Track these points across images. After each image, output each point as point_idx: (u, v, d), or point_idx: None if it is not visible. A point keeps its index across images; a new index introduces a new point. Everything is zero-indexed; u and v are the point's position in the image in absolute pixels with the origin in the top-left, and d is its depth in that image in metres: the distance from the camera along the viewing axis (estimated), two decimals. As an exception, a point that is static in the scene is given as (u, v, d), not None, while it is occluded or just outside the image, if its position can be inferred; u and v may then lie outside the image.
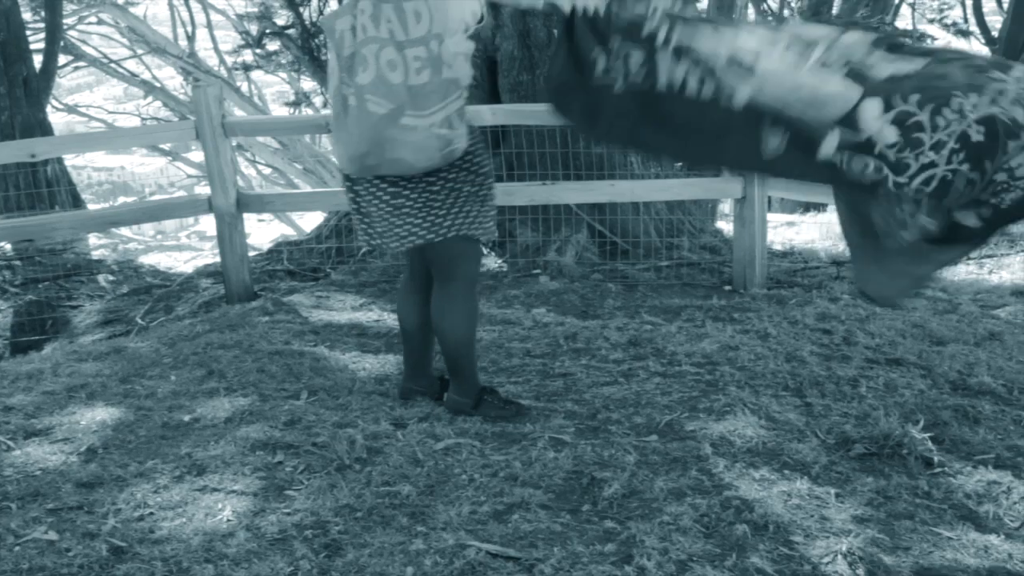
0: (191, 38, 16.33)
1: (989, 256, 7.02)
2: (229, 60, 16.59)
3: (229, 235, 5.40)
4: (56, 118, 14.67)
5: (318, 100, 14.51)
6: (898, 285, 2.44)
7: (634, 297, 5.13)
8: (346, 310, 4.96)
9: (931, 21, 17.08)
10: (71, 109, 18.75)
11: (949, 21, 16.71)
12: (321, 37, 10.64)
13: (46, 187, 8.64)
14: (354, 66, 2.96)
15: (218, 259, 5.78)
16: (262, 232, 19.02)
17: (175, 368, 4.05)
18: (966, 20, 16.27)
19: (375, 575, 2.35)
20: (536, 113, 5.36)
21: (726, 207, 9.77)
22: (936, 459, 2.89)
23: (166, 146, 17.52)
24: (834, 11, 13.64)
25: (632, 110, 2.47)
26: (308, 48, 11.24)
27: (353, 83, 2.96)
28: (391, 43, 2.92)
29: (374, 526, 2.60)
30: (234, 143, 6.10)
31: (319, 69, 11.09)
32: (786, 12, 13.80)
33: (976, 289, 5.75)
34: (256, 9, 13.18)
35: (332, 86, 3.06)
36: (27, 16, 11.84)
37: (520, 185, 5.40)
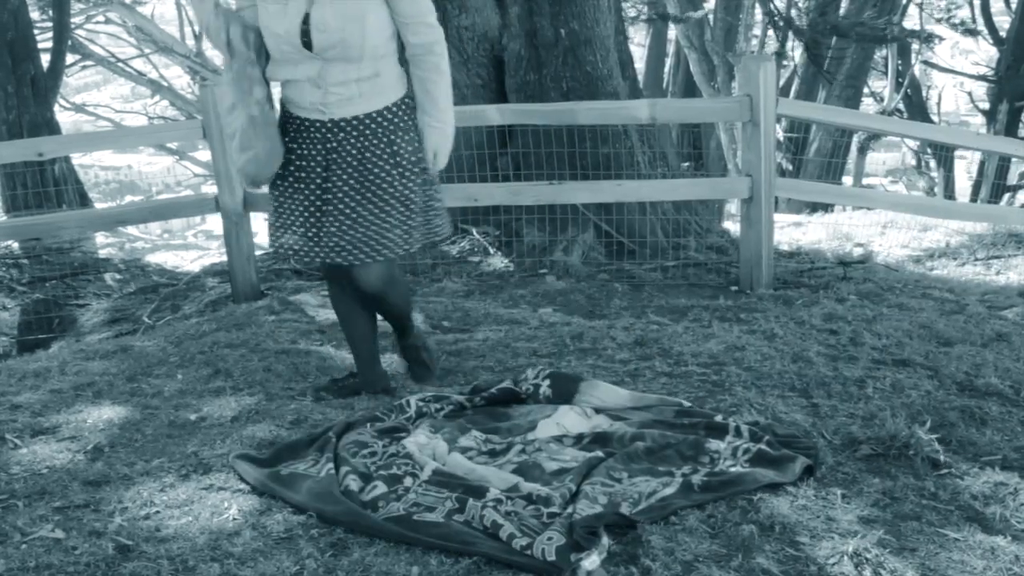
0: (198, 37, 16.35)
1: (996, 257, 7.00)
2: (236, 59, 16.58)
3: (236, 234, 5.41)
4: (63, 117, 14.69)
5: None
6: None
7: (640, 297, 5.13)
8: (352, 309, 4.95)
9: (939, 20, 17.07)
10: (78, 108, 18.76)
11: (957, 20, 16.68)
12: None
13: (53, 186, 8.65)
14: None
15: (225, 258, 5.79)
16: (268, 231, 19.01)
17: (181, 367, 4.06)
18: (974, 20, 16.24)
19: (381, 574, 2.35)
20: (543, 113, 5.36)
21: (733, 207, 9.76)
22: (943, 460, 2.88)
23: (173, 145, 17.51)
24: (841, 11, 13.62)
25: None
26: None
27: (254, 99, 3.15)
28: None
29: (380, 525, 2.60)
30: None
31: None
32: (793, 12, 13.76)
33: (983, 290, 5.74)
34: (263, 8, 13.17)
35: (226, 105, 3.25)
36: (35, 15, 11.87)
37: (527, 185, 5.39)
